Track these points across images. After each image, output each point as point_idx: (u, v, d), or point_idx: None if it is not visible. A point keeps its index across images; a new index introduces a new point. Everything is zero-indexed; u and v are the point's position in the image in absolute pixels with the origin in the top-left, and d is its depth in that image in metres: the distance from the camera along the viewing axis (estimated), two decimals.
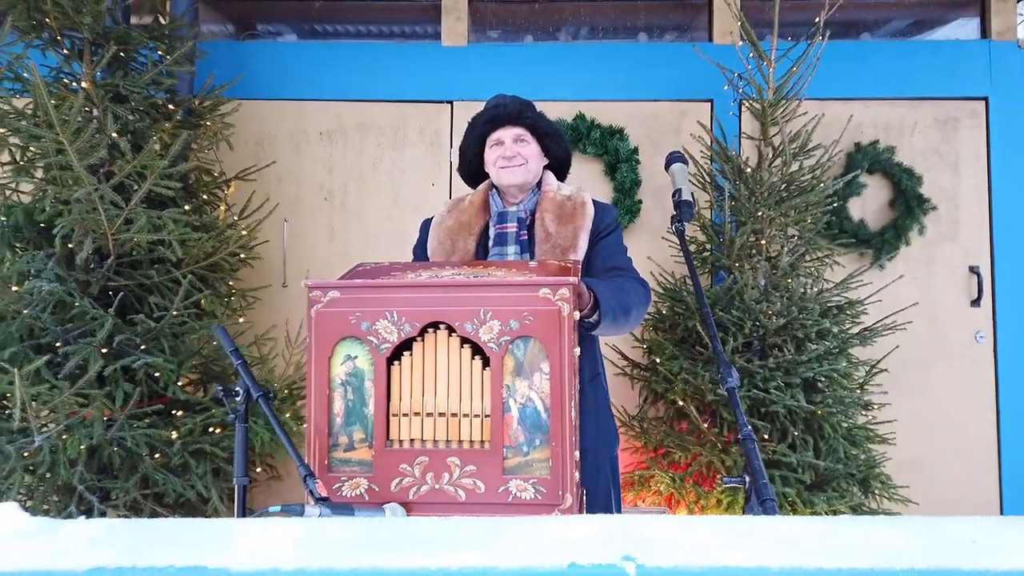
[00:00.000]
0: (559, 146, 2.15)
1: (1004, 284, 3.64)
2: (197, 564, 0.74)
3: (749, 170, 3.07)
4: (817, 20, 3.16)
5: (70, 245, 2.71)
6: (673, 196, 1.73)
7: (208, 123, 3.07)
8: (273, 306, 3.46)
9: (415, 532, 0.78)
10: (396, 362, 1.41)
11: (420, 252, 2.13)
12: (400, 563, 0.73)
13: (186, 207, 2.90)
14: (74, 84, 2.69)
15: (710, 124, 3.67)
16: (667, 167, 1.85)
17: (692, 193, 1.76)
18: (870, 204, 3.67)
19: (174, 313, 2.71)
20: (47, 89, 2.34)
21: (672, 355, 3.08)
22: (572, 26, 3.92)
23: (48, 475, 2.35)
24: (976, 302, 3.65)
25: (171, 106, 2.92)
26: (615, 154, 3.57)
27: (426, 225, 2.18)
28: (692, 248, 3.33)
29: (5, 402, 2.44)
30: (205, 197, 3.08)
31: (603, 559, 0.72)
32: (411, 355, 1.41)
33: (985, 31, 3.78)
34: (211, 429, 2.64)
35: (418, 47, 3.82)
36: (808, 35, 3.16)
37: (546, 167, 2.15)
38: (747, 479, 1.16)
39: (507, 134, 2.06)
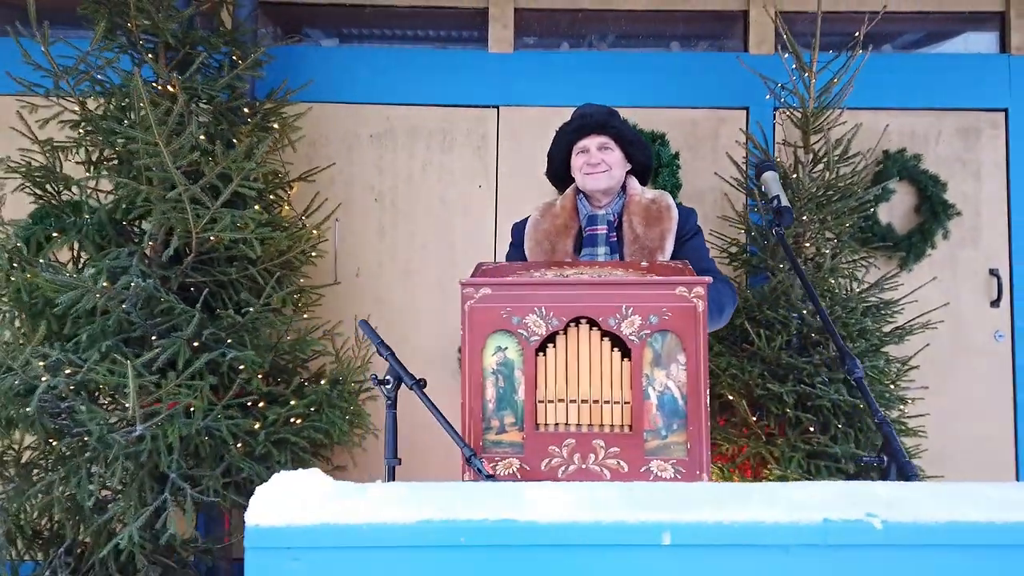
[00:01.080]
0: (642, 153, 2.29)
1: (1022, 286, 3.83)
2: (507, 517, 0.87)
3: (795, 176, 3.23)
4: (856, 33, 3.33)
5: (150, 243, 2.82)
6: (771, 203, 1.88)
7: (275, 125, 3.18)
8: (330, 303, 3.58)
9: (686, 493, 0.92)
10: (541, 353, 1.55)
11: (516, 253, 2.26)
12: (687, 516, 0.86)
13: (256, 207, 3.01)
14: (156, 86, 2.79)
15: (746, 131, 3.84)
16: (758, 176, 2.00)
17: (787, 199, 1.91)
18: (897, 209, 3.85)
19: (252, 309, 2.83)
20: (145, 92, 2.44)
21: (718, 352, 3.24)
22: (608, 34, 4.07)
23: (144, 463, 2.46)
24: (996, 303, 3.84)
25: (245, 109, 3.03)
26: (657, 159, 3.71)
27: (519, 228, 2.32)
28: (734, 250, 3.49)
29: (102, 393, 2.54)
30: (272, 197, 3.19)
31: (851, 515, 0.86)
32: (555, 347, 1.55)
33: (1004, 46, 3.97)
34: (292, 420, 2.75)
35: (465, 53, 3.95)
36: (848, 47, 3.33)
37: (630, 172, 2.29)
38: (885, 459, 1.30)
39: (592, 142, 2.20)
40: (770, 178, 1.97)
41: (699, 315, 1.51)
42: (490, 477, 1.44)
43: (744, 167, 3.60)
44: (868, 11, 3.61)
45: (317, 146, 3.78)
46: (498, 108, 3.84)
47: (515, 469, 1.52)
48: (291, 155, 3.49)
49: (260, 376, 2.73)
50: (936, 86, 3.87)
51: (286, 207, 3.32)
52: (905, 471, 1.26)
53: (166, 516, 2.45)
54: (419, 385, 1.61)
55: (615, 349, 1.54)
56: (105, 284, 2.58)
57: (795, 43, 3.31)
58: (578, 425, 1.54)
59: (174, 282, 2.83)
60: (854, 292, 3.21)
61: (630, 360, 1.53)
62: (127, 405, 2.36)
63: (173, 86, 2.66)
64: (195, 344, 2.62)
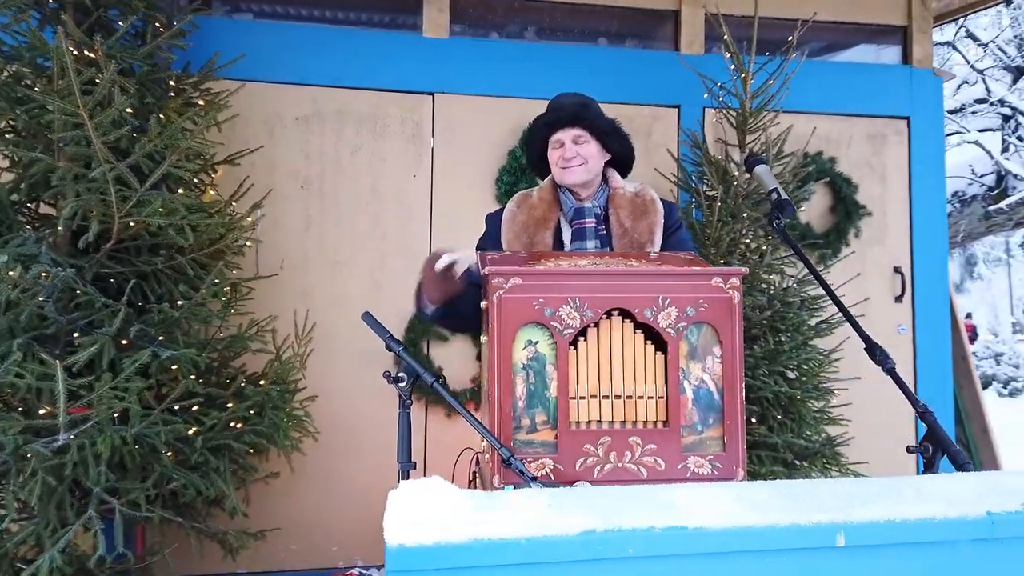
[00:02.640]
0: (619, 143, 2.24)
1: (922, 282, 4.12)
2: (676, 524, 0.79)
3: (737, 173, 3.31)
4: (790, 38, 3.45)
5: (60, 228, 2.50)
6: (769, 195, 1.88)
7: (200, 102, 2.90)
8: (250, 297, 3.31)
9: (844, 491, 0.86)
10: (571, 347, 1.47)
11: (492, 245, 2.15)
12: (858, 516, 0.81)
13: (179, 191, 2.74)
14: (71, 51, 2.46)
15: (678, 128, 3.91)
16: (749, 170, 2.00)
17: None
18: (815, 209, 4.04)
19: (181, 303, 2.57)
20: (67, 57, 2.14)
21: None
22: (541, 26, 4.02)
23: (65, 477, 2.16)
24: (899, 298, 4.11)
25: (171, 82, 2.74)
26: None
27: (494, 219, 2.21)
28: None
29: (11, 396, 2.20)
30: (195, 181, 2.91)
31: (1011, 508, 0.84)
32: (586, 340, 1.47)
33: (907, 58, 4.26)
34: (232, 424, 2.51)
35: (398, 36, 3.77)
36: (782, 51, 3.44)
37: (608, 163, 2.24)
38: (930, 447, 1.32)
39: (566, 135, 2.12)
40: (762, 171, 1.97)
41: (735, 306, 1.48)
42: (534, 479, 1.34)
43: (675, 163, 3.66)
44: (791, 18, 3.77)
45: (236, 127, 3.48)
46: (433, 95, 3.70)
47: (548, 470, 1.43)
48: (208, 136, 3.21)
49: (193, 376, 2.47)
50: (848, 94, 4.09)
51: (210, 192, 3.05)
52: (958, 459, 1.28)
53: (95, 535, 2.17)
54: (439, 382, 1.48)
55: (648, 342, 1.48)
56: (11, 273, 2.25)
57: (734, 45, 3.38)
58: (611, 422, 1.47)
59: (88, 272, 2.51)
60: (792, 287, 3.32)
61: (663, 353, 1.48)
62: (42, 412, 2.06)
63: (95, 52, 2.35)
64: (123, 342, 2.33)
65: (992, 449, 4.46)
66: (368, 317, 1.58)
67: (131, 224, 2.50)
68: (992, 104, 6.62)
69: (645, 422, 1.47)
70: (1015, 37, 7.03)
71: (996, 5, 4.38)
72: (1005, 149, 6.97)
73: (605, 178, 2.21)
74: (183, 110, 2.68)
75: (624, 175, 2.27)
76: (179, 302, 2.59)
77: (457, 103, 3.72)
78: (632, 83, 3.87)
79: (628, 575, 0.77)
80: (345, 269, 3.60)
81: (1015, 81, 7.00)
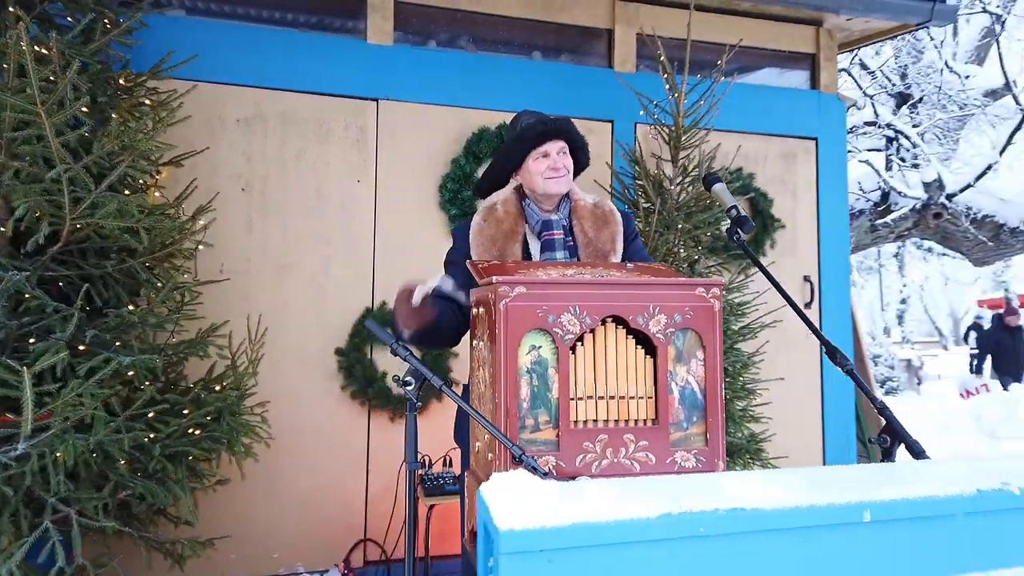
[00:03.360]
0: (586, 157, 2.36)
1: (827, 290, 4.48)
2: (737, 506, 0.91)
3: (675, 187, 3.51)
4: (719, 62, 3.69)
5: (1, 230, 2.40)
6: (729, 212, 2.05)
7: (147, 102, 2.84)
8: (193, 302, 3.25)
9: (866, 475, 1.01)
10: (571, 352, 1.58)
11: (462, 257, 2.20)
12: (880, 495, 0.96)
13: (126, 192, 2.68)
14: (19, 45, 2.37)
15: (611, 143, 4.10)
16: (708, 188, 2.17)
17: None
18: (720, 221, 4.32)
19: (130, 308, 2.52)
20: (28, 53, 2.07)
21: None
22: (479, 37, 4.11)
23: (24, 487, 2.08)
24: (808, 305, 4.45)
25: (122, 80, 2.67)
26: None
27: (461, 232, 2.26)
28: None
29: None
30: (140, 182, 2.84)
31: (993, 486, 1.01)
32: (583, 346, 1.59)
33: (815, 83, 4.62)
34: (190, 431, 2.48)
35: (343, 41, 3.78)
36: (712, 72, 3.68)
37: None
38: (887, 438, 1.50)
39: (554, 147, 2.21)
40: (720, 189, 2.14)
41: (716, 314, 1.63)
42: (546, 475, 1.44)
43: (610, 177, 3.85)
44: (714, 41, 4.03)
45: (176, 127, 3.40)
46: (377, 101, 3.73)
47: (552, 467, 1.53)
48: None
49: (148, 383, 2.42)
50: (765, 115, 4.39)
51: (154, 193, 2.98)
52: (914, 449, 1.47)
53: (52, 547, 2.10)
54: (447, 384, 1.55)
55: (638, 347, 1.61)
56: None
57: (669, 66, 3.59)
58: (606, 421, 1.58)
59: (33, 276, 2.42)
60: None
61: (653, 357, 1.61)
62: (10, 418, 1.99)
63: (49, 48, 2.27)
64: (79, 347, 2.26)
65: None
66: (372, 324, 1.63)
67: (80, 227, 2.43)
68: (879, 127, 7.21)
69: (637, 421, 1.59)
70: (898, 66, 7.69)
71: (894, 37, 4.81)
72: (888, 168, 7.59)
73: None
74: (136, 110, 2.62)
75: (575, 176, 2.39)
76: (129, 307, 2.53)
77: (401, 110, 3.76)
78: (569, 97, 4.03)
79: (700, 551, 0.88)
80: (289, 273, 3.57)
81: (899, 106, 7.64)
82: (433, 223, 3.77)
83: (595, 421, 1.58)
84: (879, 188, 7.31)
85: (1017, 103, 6.64)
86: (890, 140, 7.65)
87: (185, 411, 2.50)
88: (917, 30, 4.63)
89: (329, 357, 3.60)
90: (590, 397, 1.58)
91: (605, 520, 0.86)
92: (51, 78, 2.27)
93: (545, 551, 0.83)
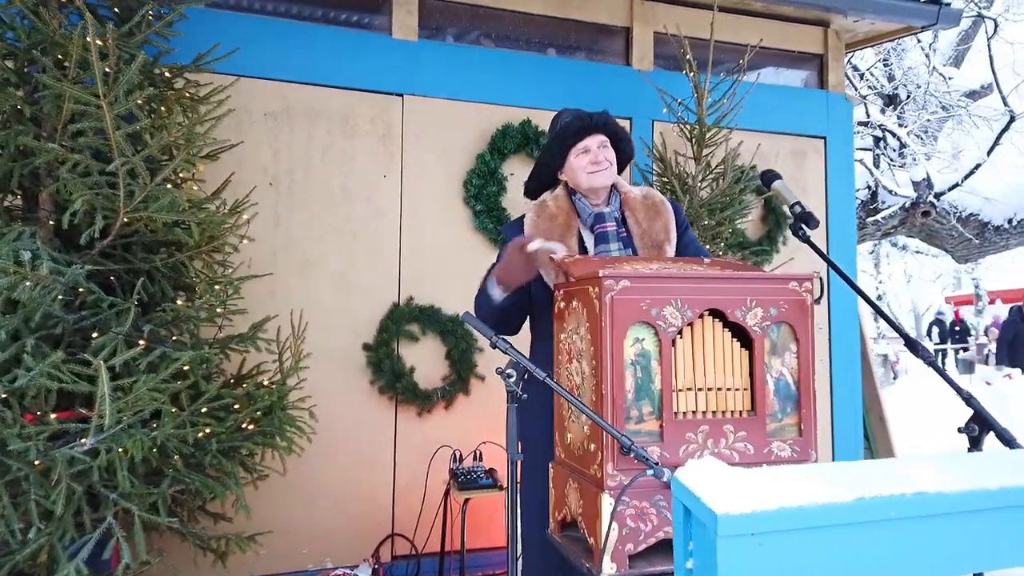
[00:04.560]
0: (631, 148, 2.39)
1: (835, 286, 4.58)
2: (920, 491, 0.95)
3: (700, 184, 3.56)
4: (741, 61, 3.75)
5: (49, 222, 2.37)
6: (792, 208, 2.09)
7: (188, 95, 2.81)
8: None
9: (992, 461, 1.06)
10: (671, 344, 1.61)
11: None
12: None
13: (168, 185, 2.65)
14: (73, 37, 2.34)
15: (640, 141, 4.13)
16: (767, 185, 2.21)
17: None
18: (747, 218, 4.39)
19: (181, 303, 2.50)
20: (93, 45, 2.04)
21: None
22: (499, 34, 4.13)
23: (96, 483, 2.05)
24: (818, 300, 4.53)
25: (167, 73, 2.64)
26: None
27: (513, 229, 2.28)
28: None
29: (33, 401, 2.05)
30: (182, 176, 2.82)
31: None
32: (682, 338, 1.62)
33: (823, 83, 4.71)
34: (244, 426, 2.46)
35: (369, 36, 3.77)
36: (735, 72, 3.74)
37: None
38: (976, 427, 1.56)
39: (593, 141, 2.24)
40: (780, 186, 2.18)
41: (808, 307, 1.67)
42: (656, 465, 1.47)
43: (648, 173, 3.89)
44: (727, 41, 4.10)
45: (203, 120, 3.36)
46: (403, 96, 3.73)
47: (656, 457, 1.56)
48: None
49: (207, 378, 2.41)
50: (777, 113, 4.47)
51: (192, 187, 2.94)
52: (1005, 437, 1.52)
53: (113, 544, 2.07)
54: (550, 377, 1.57)
55: (734, 339, 1.65)
56: (24, 270, 2.11)
57: (694, 64, 3.64)
58: (704, 412, 1.62)
59: (77, 271, 2.39)
60: None
61: (748, 349, 1.65)
62: (52, 416, 1.96)
63: (105, 40, 2.24)
64: (140, 342, 2.24)
65: (887, 437, 5.01)
66: (469, 317, 1.65)
67: (130, 221, 2.40)
68: (871, 126, 7.36)
69: (734, 412, 1.63)
70: (886, 68, 7.86)
71: (901, 37, 4.93)
72: (877, 166, 7.76)
73: (613, 183, 2.35)
74: (187, 103, 2.59)
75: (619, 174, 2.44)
76: (179, 302, 2.51)
77: (426, 105, 3.76)
78: (590, 94, 4.04)
79: (892, 533, 0.92)
80: (315, 269, 3.56)
81: (887, 107, 7.81)
82: (458, 219, 3.78)
83: (695, 412, 1.62)
84: (868, 187, 7.47)
85: (1005, 104, 6.85)
86: (878, 140, 7.81)
87: (235, 406, 2.48)
88: (922, 32, 4.75)
89: (357, 352, 3.59)
90: (690, 389, 1.61)
91: (806, 504, 0.89)
92: (107, 70, 2.24)
93: (756, 534, 0.86)
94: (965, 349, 21.53)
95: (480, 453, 3.42)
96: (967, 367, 18.51)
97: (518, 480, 1.62)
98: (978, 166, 6.77)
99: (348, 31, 3.78)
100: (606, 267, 1.66)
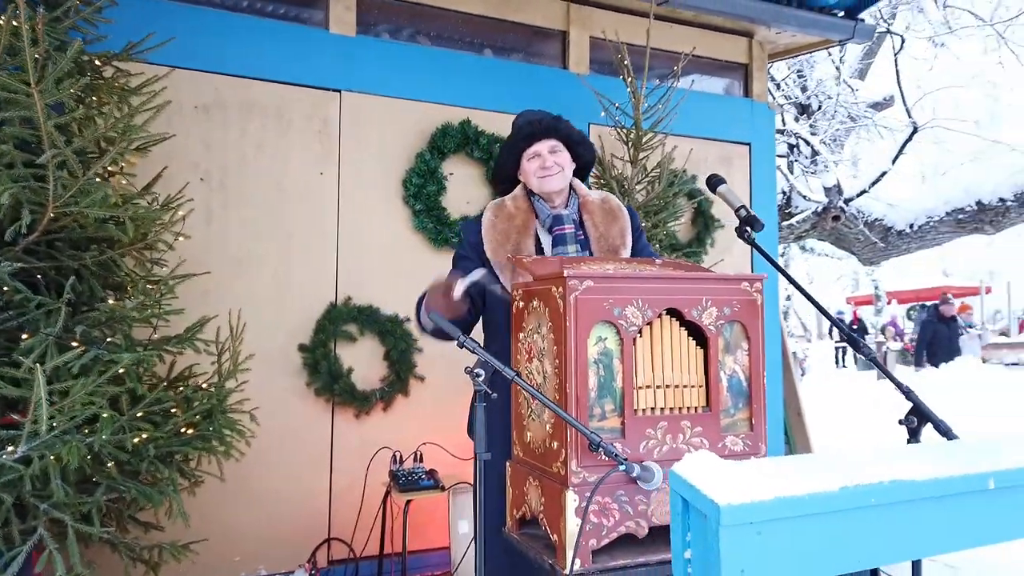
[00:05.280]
0: (589, 152, 2.44)
1: None
2: (896, 478, 1.02)
3: (638, 187, 3.65)
4: (675, 68, 3.86)
5: None
6: (738, 212, 2.17)
7: (118, 85, 2.69)
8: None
9: (960, 449, 1.14)
10: (632, 343, 1.65)
11: (473, 252, 2.23)
12: (1001, 466, 1.09)
13: (97, 179, 2.53)
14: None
15: None
16: (713, 189, 2.29)
17: None
18: (679, 220, 4.51)
19: (115, 301, 2.39)
20: (23, 30, 1.93)
21: None
22: (437, 33, 4.11)
23: (26, 492, 1.93)
24: None
25: (97, 62, 2.52)
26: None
27: (471, 227, 2.30)
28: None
29: None
30: (111, 169, 2.69)
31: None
32: (642, 337, 1.66)
33: (747, 92, 4.90)
34: (183, 430, 2.37)
35: (305, 30, 3.69)
36: (668, 78, 3.85)
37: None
38: (915, 419, 1.66)
39: (543, 147, 2.29)
40: (726, 190, 2.26)
41: (759, 307, 1.74)
42: (624, 460, 1.50)
43: None
44: (660, 48, 4.21)
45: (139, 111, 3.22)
46: (340, 92, 3.67)
47: (617, 452, 1.59)
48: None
49: (142, 380, 2.31)
50: (704, 119, 4.61)
51: (121, 181, 2.81)
52: (941, 428, 1.63)
53: (47, 557, 1.96)
54: (518, 375, 1.59)
55: (690, 337, 1.70)
56: None
57: (630, 69, 3.73)
58: (663, 409, 1.67)
59: (4, 268, 2.26)
60: None
61: (703, 347, 1.71)
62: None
63: (36, 26, 2.11)
64: (73, 344, 2.13)
65: (805, 431, 5.24)
66: (438, 317, 1.64)
67: (59, 215, 2.28)
68: (786, 134, 7.69)
69: (691, 408, 1.69)
70: (799, 79, 8.23)
71: (819, 50, 5.16)
72: (791, 172, 8.11)
73: (571, 186, 2.39)
74: (120, 94, 2.48)
75: (584, 179, 2.48)
76: (111, 301, 2.40)
77: (364, 102, 3.71)
78: (527, 96, 4.06)
79: (873, 519, 0.98)
80: (250, 268, 3.46)
81: (800, 115, 8.18)
82: (397, 218, 3.74)
83: (654, 409, 1.66)
84: (783, 192, 7.80)
85: (909, 116, 7.28)
86: (792, 147, 8.17)
87: (173, 409, 2.39)
88: (839, 45, 5.00)
89: (293, 353, 3.51)
90: (649, 386, 1.66)
91: (797, 494, 0.93)
92: (36, 56, 2.12)
93: (754, 523, 0.90)
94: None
95: (421, 454, 3.40)
96: (866, 364, 19.62)
97: (485, 479, 1.62)
98: (884, 174, 7.18)
99: (283, 24, 3.69)
100: (567, 267, 1.69)
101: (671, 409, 1.68)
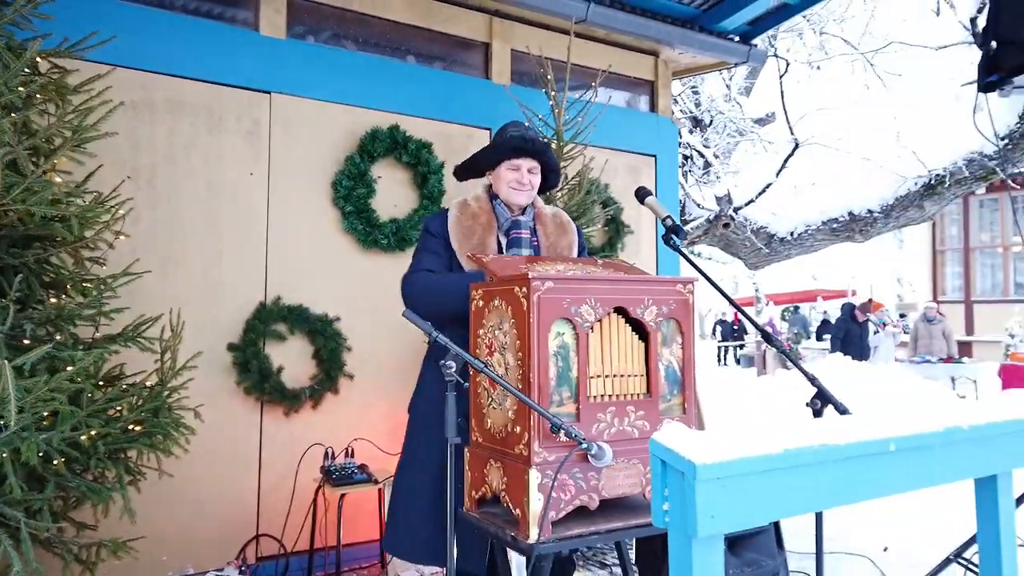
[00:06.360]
0: (556, 180, 2.70)
1: None
2: (829, 443, 1.26)
3: (558, 195, 3.88)
4: (593, 84, 4.13)
5: None
6: (664, 221, 2.43)
7: (51, 81, 2.67)
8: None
9: (876, 421, 1.40)
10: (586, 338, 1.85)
11: (439, 244, 2.42)
12: (900, 431, 1.36)
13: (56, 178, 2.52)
14: None
15: None
16: (642, 200, 2.54)
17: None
18: (596, 226, 4.79)
19: (76, 300, 2.40)
20: None
21: None
22: (365, 39, 4.20)
23: None
24: None
25: (38, 59, 2.50)
26: (427, 166, 4.02)
27: (438, 220, 2.50)
28: None
29: None
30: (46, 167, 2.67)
31: (965, 424, 1.45)
32: (593, 332, 1.87)
33: (653, 107, 5.25)
34: (130, 427, 2.39)
35: (235, 31, 3.70)
36: (586, 92, 4.11)
37: None
38: (819, 402, 1.95)
39: (526, 164, 2.52)
40: (653, 201, 2.52)
41: (691, 306, 1.99)
42: (584, 440, 1.70)
43: None
44: (576, 63, 4.47)
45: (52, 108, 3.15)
46: (271, 94, 3.71)
47: (577, 434, 1.79)
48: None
49: (90, 378, 2.32)
50: (616, 132, 4.92)
51: (54, 177, 2.78)
52: (839, 408, 1.92)
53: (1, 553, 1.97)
54: (486, 365, 1.76)
55: (633, 332, 1.92)
56: None
57: (554, 82, 3.96)
58: (611, 396, 1.88)
59: None
60: None
61: (645, 341, 1.93)
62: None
63: None
64: (25, 341, 2.13)
65: (700, 416, 5.65)
66: (410, 314, 1.79)
67: (4, 213, 2.26)
68: (681, 146, 8.18)
69: (635, 395, 1.91)
70: (694, 94, 8.76)
71: (717, 70, 5.57)
72: (686, 181, 8.63)
73: None
74: (59, 91, 2.47)
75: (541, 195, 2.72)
76: (52, 300, 2.40)
77: (295, 105, 3.77)
78: (454, 104, 4.26)
79: (808, 474, 1.22)
80: (179, 267, 3.45)
81: (694, 128, 8.72)
82: (327, 219, 3.82)
83: (604, 396, 1.87)
84: (678, 201, 8.29)
85: (791, 132, 7.92)
86: (687, 158, 8.69)
87: (119, 407, 2.41)
88: (735, 67, 5.43)
89: (222, 352, 3.53)
90: (600, 376, 1.87)
91: (750, 455, 1.16)
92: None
93: (720, 478, 1.12)
94: (743, 346, 24.25)
95: (352, 450, 3.50)
96: (748, 361, 20.86)
97: (461, 462, 1.78)
98: (769, 185, 7.77)
99: (213, 23, 3.69)
100: (522, 267, 1.88)
101: (618, 396, 1.89)
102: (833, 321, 19.59)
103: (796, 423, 1.37)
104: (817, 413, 1.98)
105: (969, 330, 15.39)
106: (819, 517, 1.95)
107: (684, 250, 2.42)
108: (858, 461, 1.31)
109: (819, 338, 18.64)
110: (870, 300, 12.25)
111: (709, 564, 1.11)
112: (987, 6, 2.74)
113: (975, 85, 2.83)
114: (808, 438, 1.26)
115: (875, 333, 12.40)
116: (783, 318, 25.44)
